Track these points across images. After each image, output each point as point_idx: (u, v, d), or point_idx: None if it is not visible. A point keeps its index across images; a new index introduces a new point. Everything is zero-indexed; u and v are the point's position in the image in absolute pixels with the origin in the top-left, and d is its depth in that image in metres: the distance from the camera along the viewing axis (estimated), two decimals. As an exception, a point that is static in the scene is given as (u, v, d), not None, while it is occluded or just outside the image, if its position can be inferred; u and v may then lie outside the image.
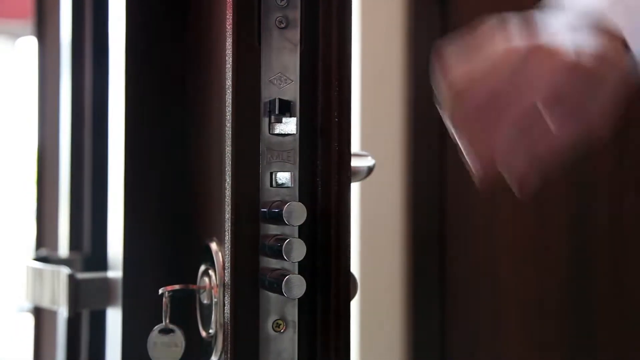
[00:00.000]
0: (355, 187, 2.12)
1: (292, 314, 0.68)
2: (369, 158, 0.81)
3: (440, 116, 2.29)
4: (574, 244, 2.20)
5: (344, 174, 0.68)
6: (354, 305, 2.09)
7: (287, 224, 0.65)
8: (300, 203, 0.65)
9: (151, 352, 0.72)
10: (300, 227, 0.68)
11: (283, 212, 0.64)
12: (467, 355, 2.18)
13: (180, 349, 0.73)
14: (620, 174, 2.21)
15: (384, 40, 2.15)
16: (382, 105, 2.13)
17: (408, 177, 2.14)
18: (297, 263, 0.67)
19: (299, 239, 0.65)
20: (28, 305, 1.50)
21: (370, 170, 0.81)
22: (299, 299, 0.68)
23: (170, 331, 0.73)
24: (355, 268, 2.11)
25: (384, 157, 2.12)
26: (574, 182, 2.20)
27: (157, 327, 0.73)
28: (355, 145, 2.09)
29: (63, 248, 1.23)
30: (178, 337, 0.73)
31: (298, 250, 0.64)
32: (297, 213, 0.65)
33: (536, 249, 2.19)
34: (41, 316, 1.47)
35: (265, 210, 0.67)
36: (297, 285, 0.64)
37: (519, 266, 2.18)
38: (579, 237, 2.20)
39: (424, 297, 2.15)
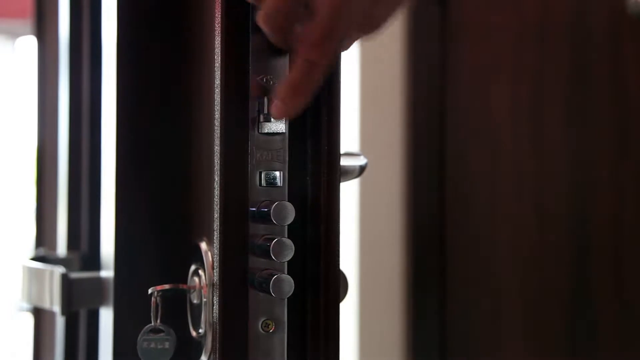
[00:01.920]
0: (354, 187, 2.12)
1: (282, 314, 0.68)
2: (361, 157, 0.80)
3: (440, 116, 2.29)
4: (574, 244, 2.20)
5: (334, 173, 0.68)
6: (353, 305, 2.09)
7: (275, 224, 0.65)
8: (288, 202, 0.65)
9: (141, 352, 0.72)
10: (289, 226, 0.67)
11: (271, 211, 0.64)
12: (467, 356, 2.18)
13: (170, 349, 0.73)
14: (620, 174, 2.21)
15: (384, 41, 2.15)
16: (382, 105, 2.13)
17: (408, 177, 2.14)
18: (286, 263, 0.67)
19: (288, 239, 0.65)
20: (27, 304, 1.50)
21: (362, 169, 0.80)
22: (288, 298, 0.67)
23: (160, 331, 0.73)
24: (354, 268, 2.11)
25: (384, 157, 2.12)
26: (574, 182, 2.20)
27: (147, 327, 0.73)
28: (355, 145, 2.09)
29: (61, 247, 1.23)
30: (168, 337, 0.73)
31: (286, 250, 0.64)
32: (285, 212, 0.64)
33: (536, 249, 2.19)
34: (40, 316, 1.47)
35: (254, 209, 0.67)
36: (286, 285, 0.64)
37: (519, 266, 2.18)
38: (579, 237, 2.20)
39: (424, 297, 2.15)
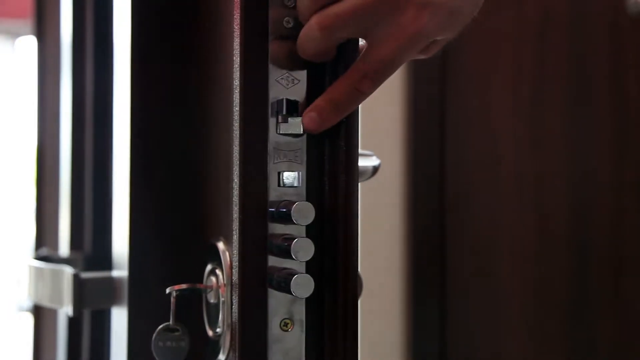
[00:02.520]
0: (355, 187, 2.12)
1: (300, 313, 0.68)
2: (374, 158, 0.81)
3: (440, 116, 2.30)
4: (573, 244, 2.20)
5: (351, 174, 0.69)
6: (354, 304, 2.09)
7: (295, 224, 0.65)
8: (308, 202, 0.65)
9: (156, 351, 0.72)
10: (307, 226, 0.68)
11: (291, 211, 0.64)
12: (467, 355, 2.18)
13: (185, 348, 0.73)
14: (620, 174, 2.22)
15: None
16: (382, 105, 2.14)
17: (408, 177, 2.14)
18: (304, 262, 0.67)
19: (307, 239, 0.65)
20: (28, 304, 1.50)
21: (375, 169, 0.81)
22: (306, 298, 0.68)
23: (175, 330, 0.73)
24: (354, 268, 2.11)
25: (384, 157, 2.12)
26: (574, 182, 2.20)
27: (162, 326, 0.73)
28: (355, 145, 2.10)
29: (64, 247, 1.23)
30: (183, 336, 0.73)
31: (306, 249, 0.65)
32: (305, 212, 0.65)
33: (537, 248, 2.19)
34: (41, 315, 1.47)
35: (273, 209, 0.67)
36: (305, 285, 0.64)
37: (519, 266, 2.19)
38: (578, 237, 2.21)
39: (424, 297, 2.15)
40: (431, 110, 2.15)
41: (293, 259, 0.65)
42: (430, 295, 2.15)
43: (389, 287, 2.14)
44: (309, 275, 0.64)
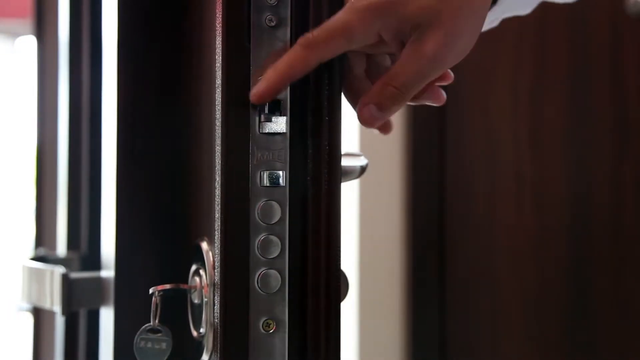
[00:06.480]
0: (354, 187, 2.12)
1: (282, 313, 0.68)
2: (362, 157, 0.81)
3: (440, 116, 2.28)
4: (574, 244, 2.20)
5: (335, 173, 0.68)
6: (354, 305, 2.09)
7: (271, 224, 0.66)
8: (274, 202, 0.66)
9: (137, 351, 0.72)
10: (290, 226, 0.67)
11: (258, 211, 0.65)
12: (467, 355, 2.18)
13: (166, 350, 0.73)
14: (620, 174, 2.21)
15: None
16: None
17: (407, 177, 2.14)
18: (286, 261, 0.67)
19: (274, 236, 0.66)
20: (27, 304, 1.50)
21: (363, 169, 0.80)
22: (289, 298, 0.67)
23: (158, 331, 0.73)
24: (354, 268, 2.11)
25: (384, 157, 2.11)
26: (574, 182, 2.20)
27: (144, 327, 0.72)
28: (354, 145, 2.09)
29: (61, 247, 1.23)
30: (165, 337, 0.73)
31: (272, 247, 0.66)
32: (271, 212, 0.66)
33: (536, 249, 2.19)
34: (40, 316, 1.48)
35: (255, 209, 0.67)
36: (272, 279, 0.66)
37: (519, 266, 2.18)
38: (579, 237, 2.20)
39: (424, 297, 2.15)
40: (431, 110, 2.15)
41: (272, 258, 0.65)
42: (430, 295, 2.15)
43: (389, 287, 2.13)
44: (275, 271, 0.65)
